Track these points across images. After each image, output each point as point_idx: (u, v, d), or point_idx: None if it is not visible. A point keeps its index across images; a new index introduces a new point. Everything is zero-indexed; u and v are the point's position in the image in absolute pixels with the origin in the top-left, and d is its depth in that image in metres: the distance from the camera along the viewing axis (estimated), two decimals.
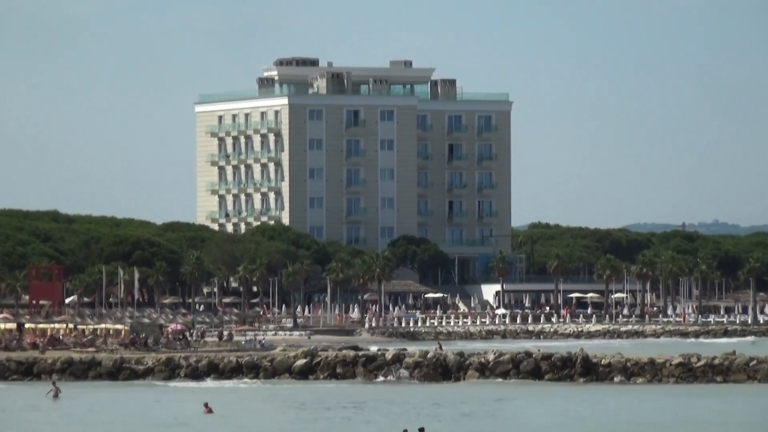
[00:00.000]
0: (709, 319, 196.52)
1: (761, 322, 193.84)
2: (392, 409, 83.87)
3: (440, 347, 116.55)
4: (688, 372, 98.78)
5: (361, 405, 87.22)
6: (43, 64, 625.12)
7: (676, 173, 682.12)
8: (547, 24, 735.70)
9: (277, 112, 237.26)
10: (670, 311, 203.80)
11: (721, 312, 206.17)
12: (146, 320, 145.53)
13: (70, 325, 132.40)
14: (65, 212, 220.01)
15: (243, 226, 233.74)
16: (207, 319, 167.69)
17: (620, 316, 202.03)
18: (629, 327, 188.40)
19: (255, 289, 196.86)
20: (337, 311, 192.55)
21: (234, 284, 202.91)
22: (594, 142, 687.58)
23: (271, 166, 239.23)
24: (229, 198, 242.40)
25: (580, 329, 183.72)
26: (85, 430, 75.51)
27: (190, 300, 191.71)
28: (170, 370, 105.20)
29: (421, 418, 76.62)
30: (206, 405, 76.72)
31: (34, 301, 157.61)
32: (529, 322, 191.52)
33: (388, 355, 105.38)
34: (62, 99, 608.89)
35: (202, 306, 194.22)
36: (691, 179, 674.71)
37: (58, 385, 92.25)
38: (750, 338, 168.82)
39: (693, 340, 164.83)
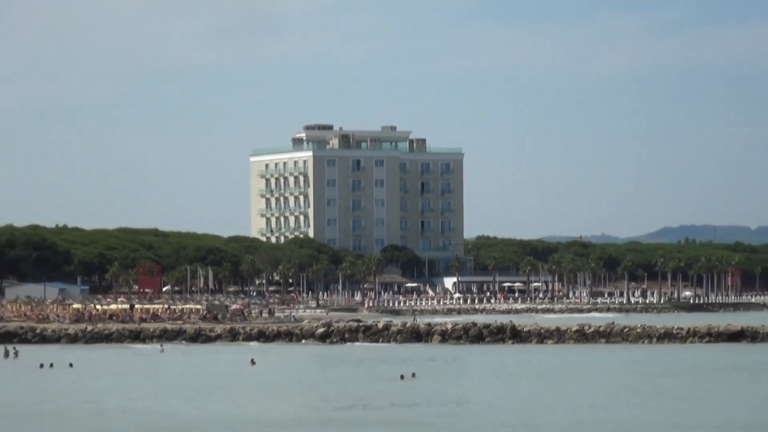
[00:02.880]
0: (597, 300, 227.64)
1: (632, 302, 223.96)
2: (386, 361, 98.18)
3: (415, 320, 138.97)
4: (582, 336, 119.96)
5: (363, 359, 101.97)
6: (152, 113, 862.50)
7: (574, 202, 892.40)
8: (489, 101, 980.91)
9: (305, 161, 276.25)
10: (570, 295, 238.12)
11: (605, 295, 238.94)
12: (216, 302, 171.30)
13: (165, 306, 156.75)
14: (162, 229, 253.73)
15: (282, 239, 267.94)
16: (257, 301, 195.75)
17: (537, 298, 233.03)
18: (543, 306, 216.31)
19: (290, 281, 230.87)
20: (346, 296, 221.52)
21: (276, 278, 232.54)
22: (520, 179, 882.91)
23: (301, 198, 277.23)
24: (273, 219, 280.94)
25: (509, 307, 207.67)
26: (184, 368, 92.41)
27: (247, 288, 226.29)
28: (232, 336, 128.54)
29: (410, 365, 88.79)
30: (252, 360, 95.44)
31: (141, 290, 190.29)
32: (476, 302, 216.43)
33: (380, 325, 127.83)
34: (160, 142, 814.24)
35: (254, 292, 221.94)
36: (585, 205, 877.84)
37: (162, 345, 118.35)
38: (623, 314, 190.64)
39: (586, 314, 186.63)
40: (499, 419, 58.24)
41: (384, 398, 69.22)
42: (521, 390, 73.38)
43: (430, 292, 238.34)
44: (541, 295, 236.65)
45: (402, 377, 78.77)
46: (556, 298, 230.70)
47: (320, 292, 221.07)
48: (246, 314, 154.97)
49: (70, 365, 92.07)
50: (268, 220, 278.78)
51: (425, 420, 58.62)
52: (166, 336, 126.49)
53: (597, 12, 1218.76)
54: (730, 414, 58.88)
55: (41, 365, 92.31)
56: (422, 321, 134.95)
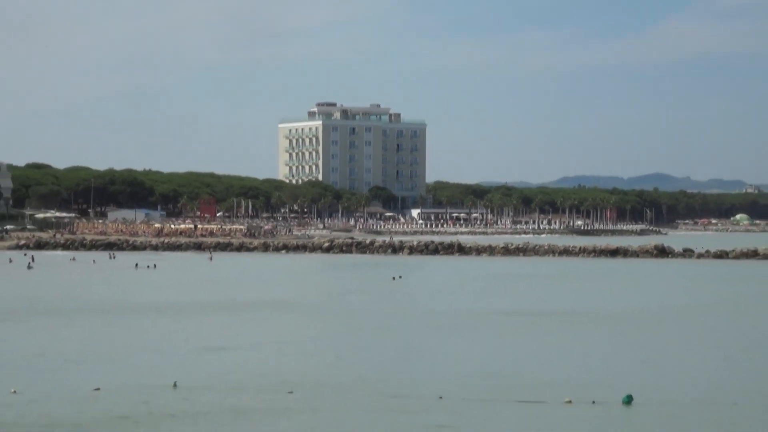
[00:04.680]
0: (516, 227, 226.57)
1: (540, 228, 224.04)
2: (374, 266, 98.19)
3: (391, 238, 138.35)
4: (507, 250, 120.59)
5: (356, 264, 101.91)
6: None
7: (502, 158, 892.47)
8: (446, 88, 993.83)
9: (316, 128, 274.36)
10: (498, 223, 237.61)
11: (523, 223, 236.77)
12: (254, 224, 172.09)
13: (218, 226, 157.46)
14: (217, 173, 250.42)
15: (300, 181, 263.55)
16: (282, 224, 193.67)
17: (476, 225, 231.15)
18: (480, 230, 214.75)
19: (305, 210, 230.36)
20: (343, 221, 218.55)
21: (295, 208, 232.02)
22: (465, 142, 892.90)
23: (313, 153, 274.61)
24: (293, 167, 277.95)
25: (456, 230, 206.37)
26: (229, 270, 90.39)
27: (275, 215, 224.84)
28: (265, 247, 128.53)
29: (390, 268, 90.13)
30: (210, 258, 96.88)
31: (201, 215, 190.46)
32: (433, 227, 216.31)
33: (368, 242, 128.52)
34: (222, 114, 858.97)
35: (280, 218, 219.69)
36: (509, 160, 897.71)
37: (213, 254, 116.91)
38: (535, 236, 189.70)
39: (509, 236, 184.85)
40: (453, 299, 59.12)
41: (386, 289, 69.69)
42: (467, 282, 74.55)
43: (402, 219, 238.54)
44: (478, 223, 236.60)
45: (394, 278, 78.41)
46: (488, 225, 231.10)
47: (326, 219, 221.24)
48: (274, 233, 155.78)
49: (154, 266, 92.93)
50: (290, 168, 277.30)
51: (421, 298, 59.50)
52: (218, 247, 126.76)
53: (516, 26, 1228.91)
54: (596, 301, 59.49)
55: (136, 265, 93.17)
56: (396, 239, 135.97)
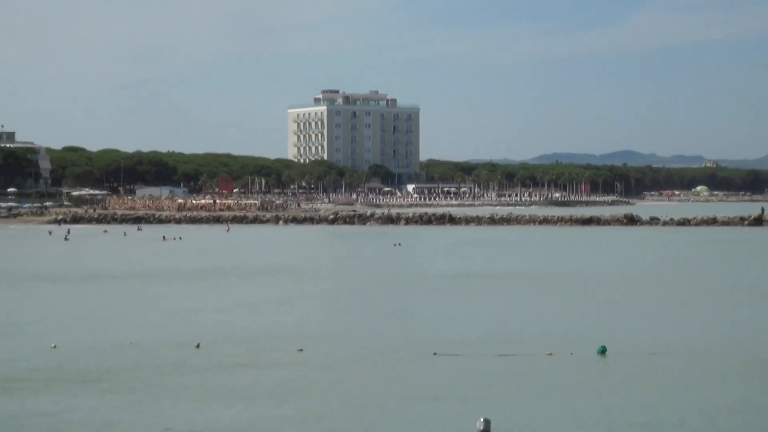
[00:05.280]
0: (501, 199, 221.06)
1: (522, 200, 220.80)
2: (375, 235, 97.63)
3: (389, 211, 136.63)
4: (493, 221, 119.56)
5: (359, 234, 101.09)
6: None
7: (487, 137, 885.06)
8: (437, 77, 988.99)
9: (322, 112, 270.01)
10: (485, 196, 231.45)
11: (506, 196, 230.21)
12: (267, 199, 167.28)
13: (235, 201, 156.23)
14: (233, 153, 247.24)
15: (307, 160, 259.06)
16: (292, 199, 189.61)
17: (465, 198, 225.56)
18: (468, 202, 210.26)
19: (312, 186, 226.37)
20: (346, 196, 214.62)
21: (303, 184, 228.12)
22: (454, 124, 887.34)
23: (319, 135, 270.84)
24: (301, 148, 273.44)
25: (447, 203, 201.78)
26: (243, 240, 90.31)
27: (285, 191, 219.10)
28: (276, 220, 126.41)
29: (389, 237, 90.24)
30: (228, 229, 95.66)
31: (220, 191, 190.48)
32: (426, 200, 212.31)
33: (368, 214, 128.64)
34: (240, 101, 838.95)
35: (290, 193, 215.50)
36: (494, 139, 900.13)
37: (230, 226, 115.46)
38: (517, 208, 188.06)
39: (494, 208, 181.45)
40: (446, 264, 59.22)
41: (387, 256, 69.82)
42: (457, 248, 74.62)
43: (398, 194, 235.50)
44: (467, 196, 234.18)
45: (395, 245, 78.86)
46: (476, 198, 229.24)
47: (330, 194, 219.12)
48: (285, 206, 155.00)
49: (180, 238, 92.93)
50: (298, 148, 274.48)
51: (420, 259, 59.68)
52: (235, 220, 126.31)
53: (500, 19, 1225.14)
54: (572, 265, 59.61)
55: (163, 237, 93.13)
56: (394, 211, 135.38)
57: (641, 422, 19.95)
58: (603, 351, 27.38)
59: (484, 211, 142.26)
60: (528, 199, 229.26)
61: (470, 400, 21.65)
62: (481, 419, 18.87)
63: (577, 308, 37.96)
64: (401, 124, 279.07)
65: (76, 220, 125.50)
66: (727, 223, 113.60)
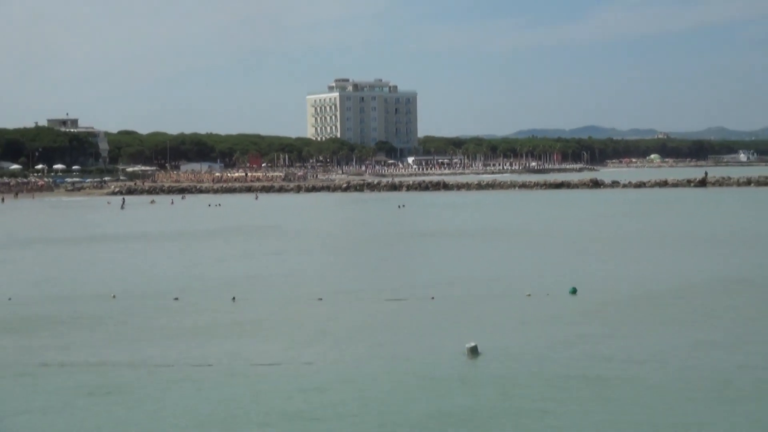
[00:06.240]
0: (486, 169, 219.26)
1: (504, 169, 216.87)
2: (382, 200, 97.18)
3: (393, 179, 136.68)
4: (480, 186, 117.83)
5: (369, 200, 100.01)
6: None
7: (474, 116, 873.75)
8: (432, 65, 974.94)
9: (335, 98, 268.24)
10: (473, 166, 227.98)
11: (491, 166, 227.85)
12: (290, 171, 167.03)
13: (263, 174, 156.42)
14: (261, 134, 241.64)
15: (323, 138, 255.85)
16: (311, 171, 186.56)
17: (456, 168, 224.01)
18: (459, 171, 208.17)
19: (328, 160, 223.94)
20: (357, 168, 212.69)
21: (321, 158, 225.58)
22: (446, 105, 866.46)
23: (333, 117, 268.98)
24: (318, 128, 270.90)
25: (441, 173, 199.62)
26: (269, 205, 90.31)
27: (305, 164, 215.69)
28: (297, 188, 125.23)
29: (395, 201, 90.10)
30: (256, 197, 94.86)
31: (250, 165, 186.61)
32: (424, 170, 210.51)
33: (375, 182, 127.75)
34: (266, 89, 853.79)
35: (310, 166, 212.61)
36: (480, 117, 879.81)
37: (258, 195, 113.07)
38: (500, 176, 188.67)
39: (480, 175, 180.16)
40: (442, 222, 58.98)
41: (392, 216, 69.74)
42: (451, 209, 74.35)
43: (401, 165, 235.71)
44: (458, 166, 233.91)
45: (399, 206, 79.25)
46: (465, 168, 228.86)
47: (343, 166, 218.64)
48: (305, 177, 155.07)
49: (219, 205, 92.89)
50: (316, 129, 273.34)
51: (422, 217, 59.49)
52: (263, 189, 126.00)
53: (484, 15, 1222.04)
54: (547, 222, 59.20)
55: (209, 205, 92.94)
56: (397, 180, 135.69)
57: (607, 344, 20.20)
58: (574, 291, 27.49)
59: (472, 179, 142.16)
60: (509, 167, 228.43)
61: (461, 329, 21.64)
62: (471, 343, 18.94)
63: (552, 258, 37.90)
64: (402, 107, 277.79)
65: (130, 191, 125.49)
66: (677, 185, 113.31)
